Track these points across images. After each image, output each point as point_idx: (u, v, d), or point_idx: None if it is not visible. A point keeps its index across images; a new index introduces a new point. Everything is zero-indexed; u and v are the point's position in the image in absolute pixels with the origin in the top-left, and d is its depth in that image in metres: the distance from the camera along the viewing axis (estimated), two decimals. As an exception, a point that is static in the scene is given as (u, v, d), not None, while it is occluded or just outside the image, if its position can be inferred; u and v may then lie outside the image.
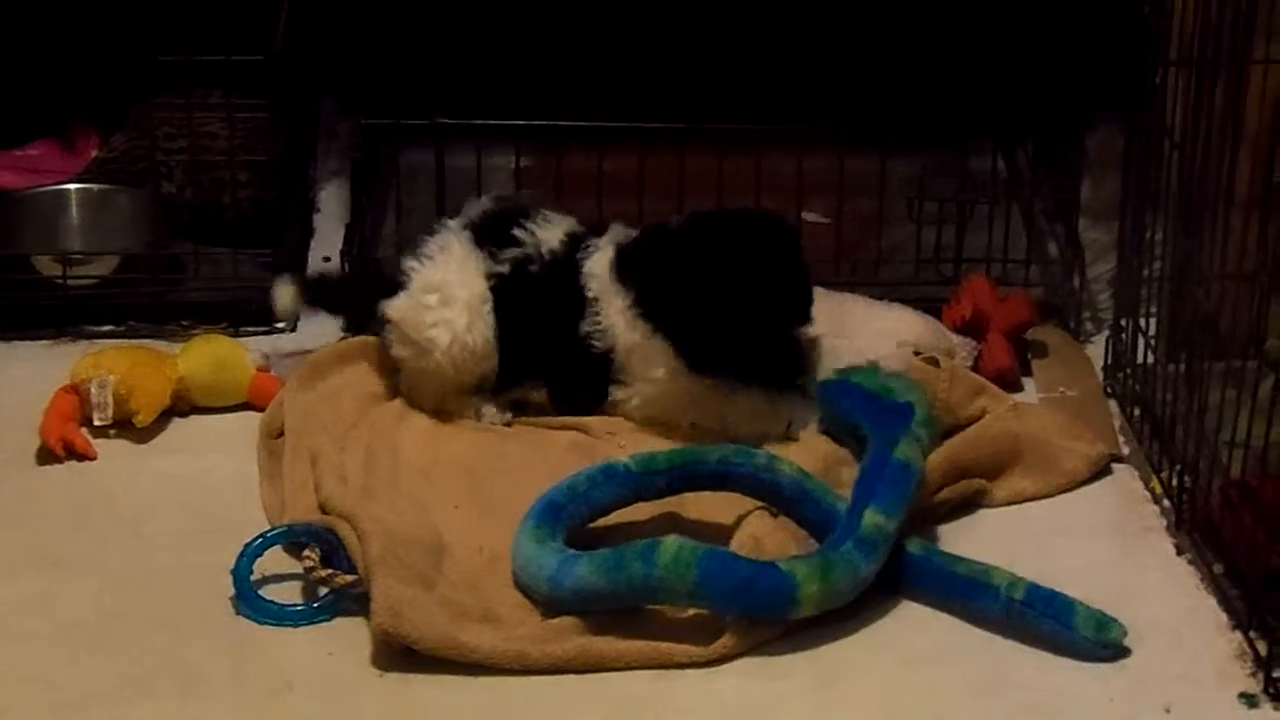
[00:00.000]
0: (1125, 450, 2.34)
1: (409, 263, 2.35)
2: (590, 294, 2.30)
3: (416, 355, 2.33)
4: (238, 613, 2.01)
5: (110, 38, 2.86)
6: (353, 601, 2.00)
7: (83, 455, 2.30)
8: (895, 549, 2.01)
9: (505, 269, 2.33)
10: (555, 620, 1.97)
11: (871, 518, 1.98)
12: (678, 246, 2.26)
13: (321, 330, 2.57)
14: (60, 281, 2.61)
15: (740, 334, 2.22)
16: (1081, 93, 2.69)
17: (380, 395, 2.40)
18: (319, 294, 2.52)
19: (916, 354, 2.37)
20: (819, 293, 2.32)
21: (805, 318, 2.27)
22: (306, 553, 2.04)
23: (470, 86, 2.77)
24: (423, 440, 2.33)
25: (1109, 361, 2.47)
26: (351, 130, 2.82)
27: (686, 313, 2.23)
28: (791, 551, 2.02)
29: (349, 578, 2.01)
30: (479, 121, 2.61)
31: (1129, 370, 2.40)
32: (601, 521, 2.10)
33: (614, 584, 1.94)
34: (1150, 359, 2.35)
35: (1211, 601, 2.04)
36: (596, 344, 2.30)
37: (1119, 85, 2.41)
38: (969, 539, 2.14)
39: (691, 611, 1.97)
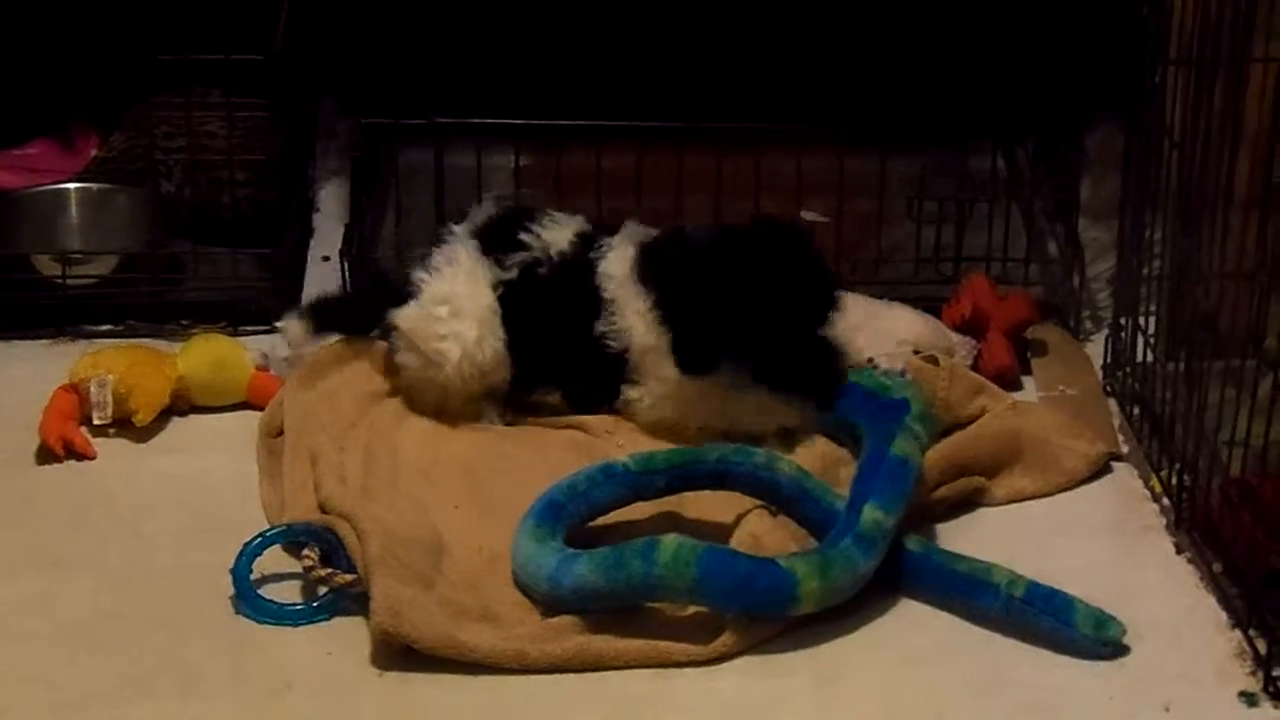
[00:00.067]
0: (1125, 449, 2.34)
1: (418, 274, 2.34)
2: (607, 294, 2.29)
3: (424, 366, 2.33)
4: (237, 612, 2.01)
5: (109, 37, 2.85)
6: (352, 601, 2.00)
7: (82, 454, 2.30)
8: (895, 547, 2.01)
9: (513, 275, 2.32)
10: (554, 619, 1.97)
11: (870, 514, 1.98)
12: (706, 256, 2.24)
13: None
14: (59, 281, 2.60)
15: (770, 341, 2.21)
16: (1081, 92, 2.69)
17: (380, 395, 2.39)
18: (326, 318, 2.49)
19: (916, 353, 2.37)
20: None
21: (828, 321, 2.26)
22: (306, 552, 2.04)
23: (469, 86, 2.76)
24: (422, 440, 2.32)
25: (1108, 360, 2.47)
26: (351, 129, 2.82)
27: (708, 320, 2.21)
28: (791, 550, 2.02)
29: (348, 577, 2.01)
30: (478, 120, 2.61)
31: (1128, 369, 2.41)
32: (601, 521, 2.10)
33: (613, 582, 1.94)
34: (1150, 358, 2.35)
35: (1211, 600, 2.04)
36: (612, 344, 2.29)
37: (1118, 84, 2.41)
38: (969, 537, 2.14)
39: (691, 610, 1.97)
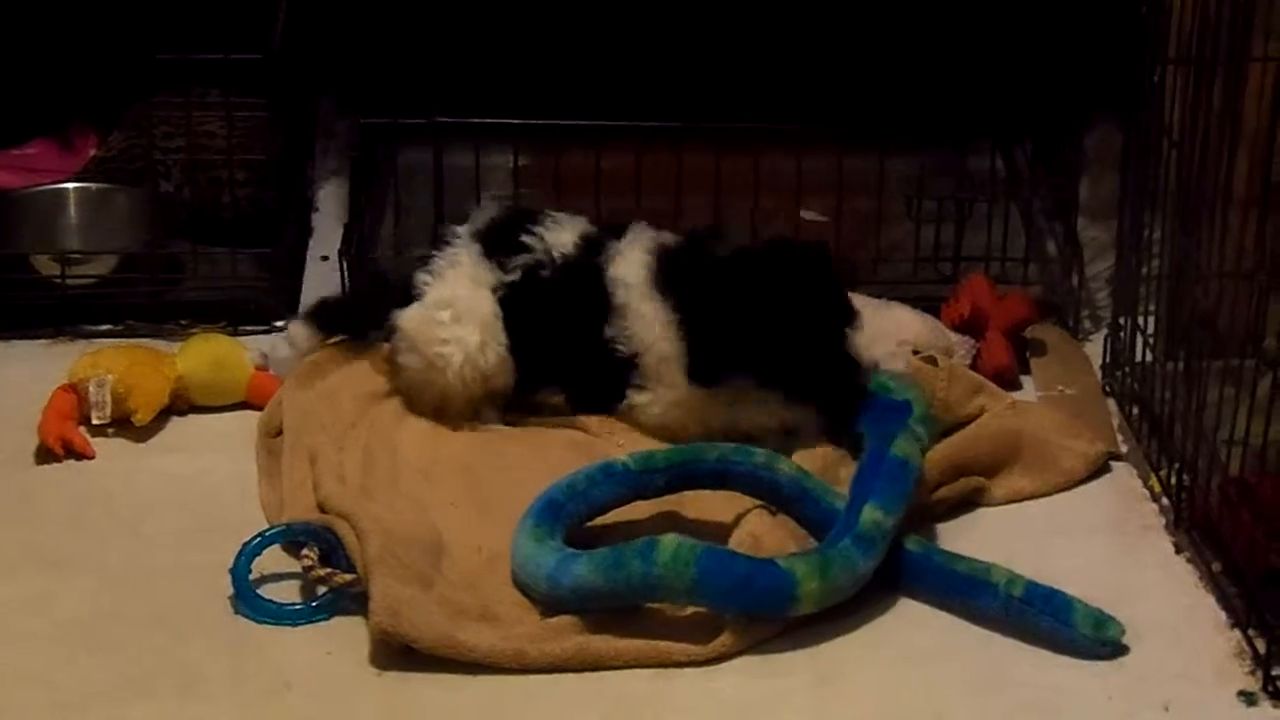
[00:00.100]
0: (1124, 448, 2.34)
1: (420, 276, 2.34)
2: (618, 300, 2.28)
3: (426, 369, 2.33)
4: (236, 612, 2.01)
5: (108, 36, 2.85)
6: (351, 600, 2.00)
7: (81, 454, 2.30)
8: (894, 547, 2.01)
9: (515, 277, 2.32)
10: (554, 619, 1.97)
11: (870, 514, 1.98)
12: (727, 271, 2.24)
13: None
14: (58, 281, 2.60)
15: (787, 358, 2.21)
16: (1080, 91, 2.69)
17: (379, 394, 2.39)
18: (330, 320, 2.49)
19: (915, 353, 2.37)
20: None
21: (846, 339, 2.26)
22: (305, 552, 2.04)
23: (468, 85, 2.76)
24: (421, 439, 2.32)
25: (1107, 360, 2.47)
26: (350, 129, 2.82)
27: (728, 336, 2.21)
28: (790, 550, 2.02)
29: (347, 577, 2.01)
30: (477, 120, 2.61)
31: (1127, 368, 2.41)
32: (600, 520, 2.10)
33: (612, 582, 1.94)
34: (1149, 357, 2.35)
35: (1210, 599, 2.04)
36: (621, 348, 2.28)
37: (1117, 84, 2.41)
38: (968, 537, 2.14)
39: (690, 610, 1.97)
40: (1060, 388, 2.47)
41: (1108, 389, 2.46)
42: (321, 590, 2.01)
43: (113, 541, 2.14)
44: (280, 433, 2.31)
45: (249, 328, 2.59)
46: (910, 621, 2.01)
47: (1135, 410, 2.36)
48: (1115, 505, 2.24)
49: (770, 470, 2.09)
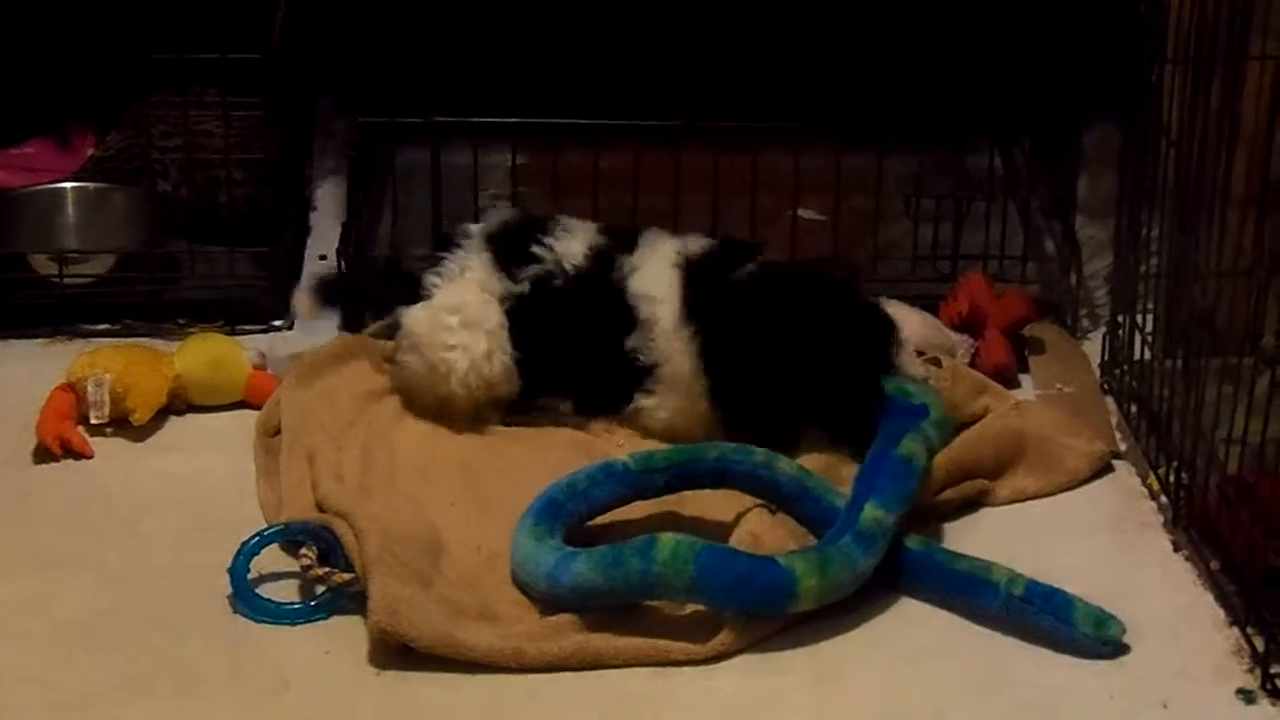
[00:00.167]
0: (1122, 447, 2.34)
1: (430, 277, 2.34)
2: (642, 314, 2.27)
3: (428, 371, 2.32)
4: (235, 611, 2.01)
5: (106, 36, 2.85)
6: (350, 600, 2.00)
7: (79, 454, 2.30)
8: (895, 545, 2.01)
9: (524, 289, 2.31)
10: (553, 618, 1.97)
11: (870, 511, 1.98)
12: (755, 308, 2.24)
13: (318, 329, 2.57)
14: (56, 280, 2.60)
15: (820, 399, 2.23)
16: (1078, 90, 2.69)
17: (377, 394, 2.39)
18: (335, 291, 2.49)
19: (919, 354, 2.36)
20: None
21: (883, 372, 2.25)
22: (303, 551, 2.04)
23: (466, 84, 2.76)
24: (420, 438, 2.32)
25: (1106, 358, 2.47)
26: (348, 128, 2.81)
27: (755, 382, 2.22)
28: (790, 548, 2.02)
29: (346, 576, 2.01)
30: (475, 119, 2.61)
31: (1126, 367, 2.41)
32: (600, 519, 2.10)
33: (612, 580, 1.94)
34: (1147, 355, 2.35)
35: (1209, 598, 2.04)
36: (642, 359, 2.28)
37: (1116, 82, 2.42)
38: (969, 536, 2.14)
39: (689, 608, 1.97)
40: (1059, 386, 2.47)
41: (1106, 387, 2.46)
42: (320, 589, 2.01)
43: (111, 541, 2.14)
44: (278, 432, 2.31)
45: (247, 327, 2.59)
46: (910, 620, 2.01)
47: (1134, 408, 2.36)
48: (1114, 504, 2.24)
49: (770, 469, 2.09)
